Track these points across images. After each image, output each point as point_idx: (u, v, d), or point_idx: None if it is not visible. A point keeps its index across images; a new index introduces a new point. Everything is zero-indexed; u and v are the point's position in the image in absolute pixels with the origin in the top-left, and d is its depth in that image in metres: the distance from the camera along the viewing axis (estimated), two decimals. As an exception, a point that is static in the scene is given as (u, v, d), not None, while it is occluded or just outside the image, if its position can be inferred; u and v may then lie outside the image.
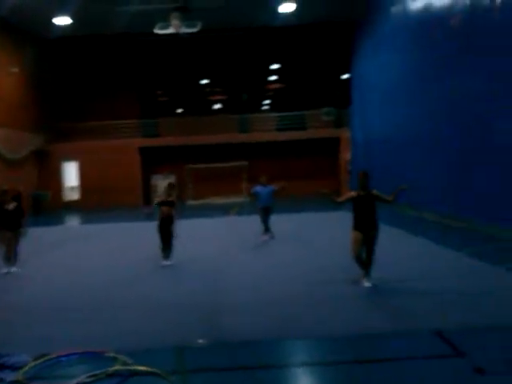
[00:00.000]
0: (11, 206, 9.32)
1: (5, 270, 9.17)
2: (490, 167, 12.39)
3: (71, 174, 27.88)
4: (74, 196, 27.86)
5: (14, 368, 4.62)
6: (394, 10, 19.15)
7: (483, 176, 12.60)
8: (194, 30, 21.83)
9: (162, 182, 26.61)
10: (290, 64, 31.52)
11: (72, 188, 28.01)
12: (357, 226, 7.07)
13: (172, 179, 27.07)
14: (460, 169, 14.08)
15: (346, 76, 28.86)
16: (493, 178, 12.24)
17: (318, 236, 12.42)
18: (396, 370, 4.43)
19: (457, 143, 14.30)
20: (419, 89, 16.81)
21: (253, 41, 28.41)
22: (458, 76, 14.14)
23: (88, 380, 4.30)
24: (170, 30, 21.65)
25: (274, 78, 34.16)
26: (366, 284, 7.06)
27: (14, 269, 9.27)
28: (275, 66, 32.66)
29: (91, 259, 10.55)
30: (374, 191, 7.10)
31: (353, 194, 7.21)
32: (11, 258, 9.31)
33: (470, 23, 13.34)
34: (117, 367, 4.51)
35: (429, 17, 15.80)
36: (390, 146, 19.60)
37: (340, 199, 7.45)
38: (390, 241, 9.93)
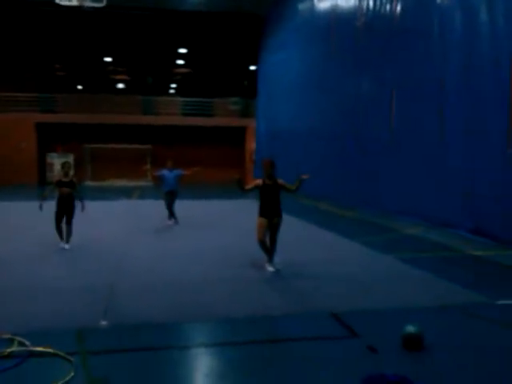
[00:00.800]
0: None
1: None
2: (377, 163, 13.44)
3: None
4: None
5: None
6: (301, 7, 19.74)
7: (373, 170, 13.65)
8: (100, 4, 20.86)
9: (58, 161, 25.30)
10: (198, 50, 31.22)
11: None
12: (262, 213, 7.28)
13: (70, 158, 25.81)
14: (352, 162, 15.05)
15: (254, 67, 29.27)
16: (375, 172, 13.38)
17: (223, 222, 12.55)
18: (293, 349, 4.66)
19: (350, 139, 15.26)
20: (321, 84, 17.56)
21: (161, 23, 27.74)
22: (353, 76, 15.07)
23: (-19, 362, 4.07)
24: (73, 2, 20.53)
25: (181, 62, 33.65)
26: (270, 268, 7.32)
27: None
28: (183, 51, 32.17)
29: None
30: (280, 180, 7.35)
31: (259, 182, 7.40)
32: None
33: (370, 27, 14.18)
34: (13, 348, 4.31)
35: (334, 17, 16.52)
36: (291, 139, 20.28)
37: (247, 187, 7.59)
38: (292, 228, 10.34)
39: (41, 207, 8.85)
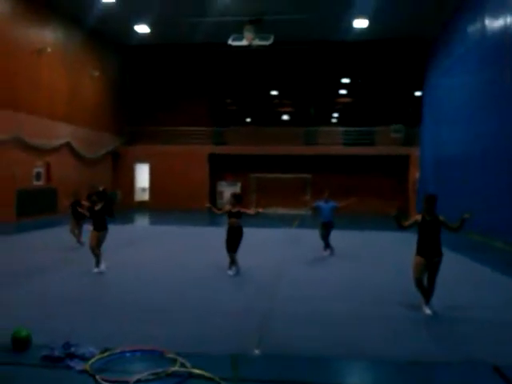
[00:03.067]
0: (98, 206, 9.64)
1: (95, 270, 9.41)
2: None
3: (143, 176, 29.08)
4: (145, 197, 29.01)
5: (83, 358, 4.96)
6: (471, 29, 18.70)
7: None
8: (267, 42, 22.23)
9: (228, 189, 27.24)
10: (360, 78, 31.31)
11: (143, 189, 29.19)
12: (420, 251, 6.97)
13: (237, 187, 27.62)
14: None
15: (417, 93, 28.33)
16: None
17: (379, 256, 12.26)
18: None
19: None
20: (493, 110, 16.23)
21: (324, 54, 28.49)
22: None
23: (149, 377, 4.56)
24: (244, 42, 22.22)
25: (343, 91, 34.02)
26: (427, 311, 6.93)
27: (96, 269, 9.41)
28: (345, 80, 32.53)
29: (160, 260, 10.97)
30: (441, 217, 6.97)
31: (418, 218, 7.09)
32: (97, 257, 9.51)
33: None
34: (176, 368, 4.75)
35: (507, 36, 15.26)
36: (460, 167, 19.02)
37: (405, 223, 7.31)
38: (453, 267, 9.67)
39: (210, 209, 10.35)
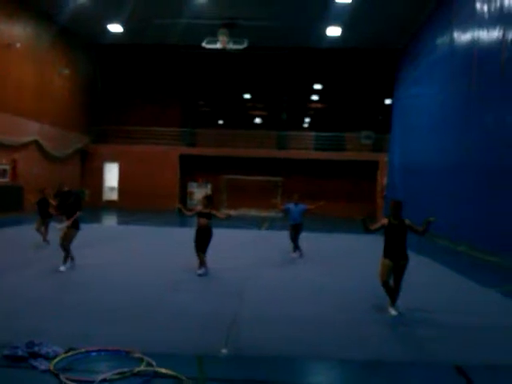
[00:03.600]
0: (70, 201, 9.64)
1: (61, 268, 9.24)
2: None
3: (112, 175, 28.71)
4: (113, 196, 28.64)
5: (47, 358, 4.88)
6: (440, 41, 19.19)
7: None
8: (241, 46, 22.32)
9: (198, 190, 27.14)
10: (332, 85, 31.72)
11: (111, 188, 28.81)
12: (387, 254, 7.11)
13: (208, 188, 27.57)
14: (500, 201, 13.79)
15: (387, 101, 28.89)
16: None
17: (347, 258, 12.42)
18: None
19: (499, 176, 14.01)
20: (459, 121, 16.66)
21: (298, 60, 28.75)
22: (501, 111, 13.99)
23: (114, 377, 4.51)
24: (218, 46, 22.27)
25: (315, 97, 34.39)
26: (392, 312, 7.07)
27: (63, 267, 9.29)
28: (318, 87, 32.90)
29: (127, 261, 10.85)
30: (407, 221, 7.13)
31: (385, 221, 7.24)
32: (67, 253, 9.38)
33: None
34: (142, 368, 4.71)
35: (476, 50, 15.70)
36: (427, 174, 19.45)
37: (372, 227, 7.45)
38: (419, 270, 9.88)
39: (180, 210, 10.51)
